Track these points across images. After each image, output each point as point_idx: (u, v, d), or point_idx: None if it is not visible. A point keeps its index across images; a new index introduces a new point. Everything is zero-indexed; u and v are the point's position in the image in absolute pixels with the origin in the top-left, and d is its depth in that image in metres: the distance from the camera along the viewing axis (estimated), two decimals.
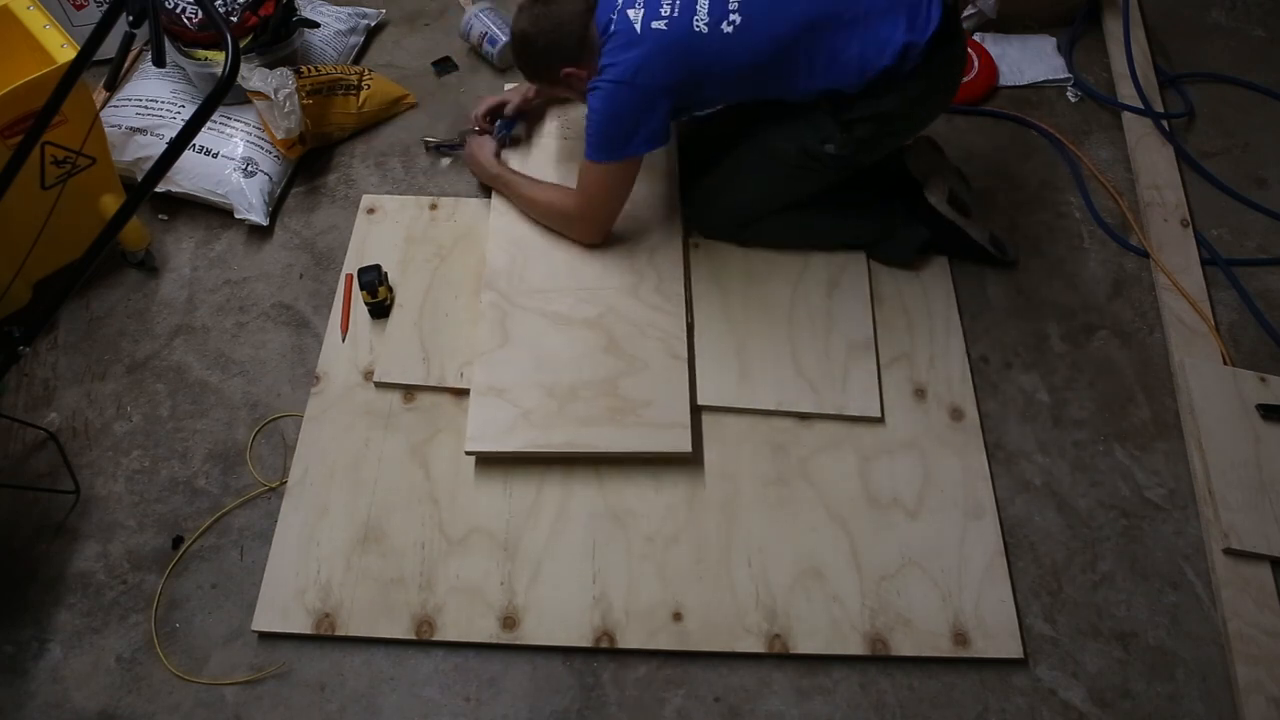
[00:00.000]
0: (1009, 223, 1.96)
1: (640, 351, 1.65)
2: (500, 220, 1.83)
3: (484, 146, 1.89)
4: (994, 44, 2.31)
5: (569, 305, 1.70)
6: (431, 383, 1.67)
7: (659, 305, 1.71)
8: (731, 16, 1.47)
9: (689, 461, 1.59)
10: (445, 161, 2.06)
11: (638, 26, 1.48)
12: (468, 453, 1.56)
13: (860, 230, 1.82)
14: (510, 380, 1.61)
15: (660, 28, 1.47)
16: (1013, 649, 1.43)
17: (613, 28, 1.50)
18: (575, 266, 1.76)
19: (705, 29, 1.46)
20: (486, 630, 1.43)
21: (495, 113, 1.93)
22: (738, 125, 1.72)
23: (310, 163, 2.08)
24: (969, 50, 2.15)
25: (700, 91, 1.57)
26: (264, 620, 1.44)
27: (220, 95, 1.19)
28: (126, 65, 2.11)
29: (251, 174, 1.92)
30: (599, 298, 1.71)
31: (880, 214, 1.81)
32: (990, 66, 2.24)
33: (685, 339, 1.67)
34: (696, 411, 1.63)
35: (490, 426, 1.56)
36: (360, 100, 2.10)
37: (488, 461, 1.59)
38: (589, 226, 1.73)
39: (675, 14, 1.47)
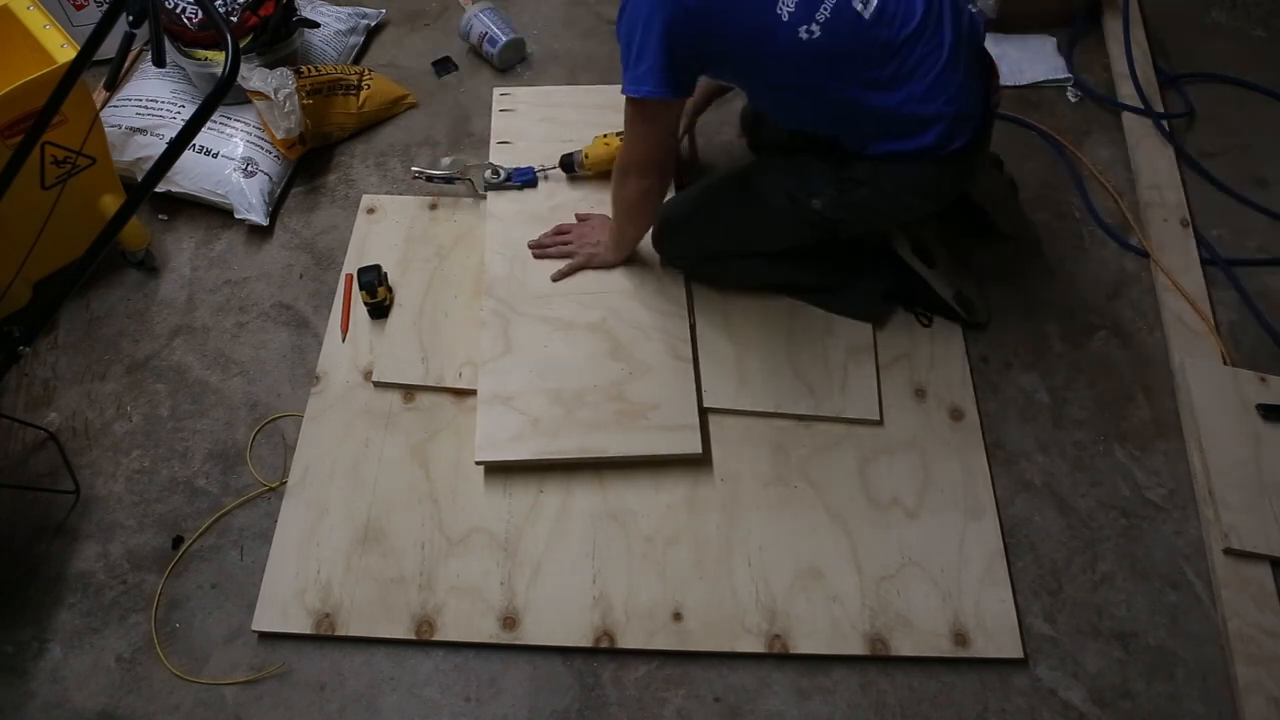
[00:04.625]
0: (932, 239, 1.94)
1: (644, 355, 1.64)
2: (497, 226, 1.83)
3: (592, 227, 1.75)
4: (994, 44, 2.30)
5: (571, 310, 1.70)
6: (430, 382, 1.67)
7: (661, 307, 1.71)
8: (813, 26, 1.32)
9: (691, 462, 1.59)
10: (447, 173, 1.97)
11: None
12: (477, 462, 1.55)
13: (811, 277, 1.74)
14: (516, 388, 1.60)
15: None
16: (1013, 649, 1.43)
17: None
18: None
19: (786, 17, 1.31)
20: (486, 630, 1.43)
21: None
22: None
23: (310, 163, 2.08)
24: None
25: (721, 61, 1.42)
26: (264, 620, 1.44)
27: (220, 95, 1.19)
28: (126, 65, 2.11)
29: (251, 174, 1.92)
30: (600, 301, 1.71)
31: (834, 265, 1.74)
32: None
33: (689, 340, 1.67)
34: (704, 412, 1.63)
35: (499, 435, 1.55)
36: (360, 100, 2.10)
37: (494, 467, 1.58)
38: (635, 167, 1.50)
39: None
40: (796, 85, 1.41)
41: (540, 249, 1.78)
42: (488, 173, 1.87)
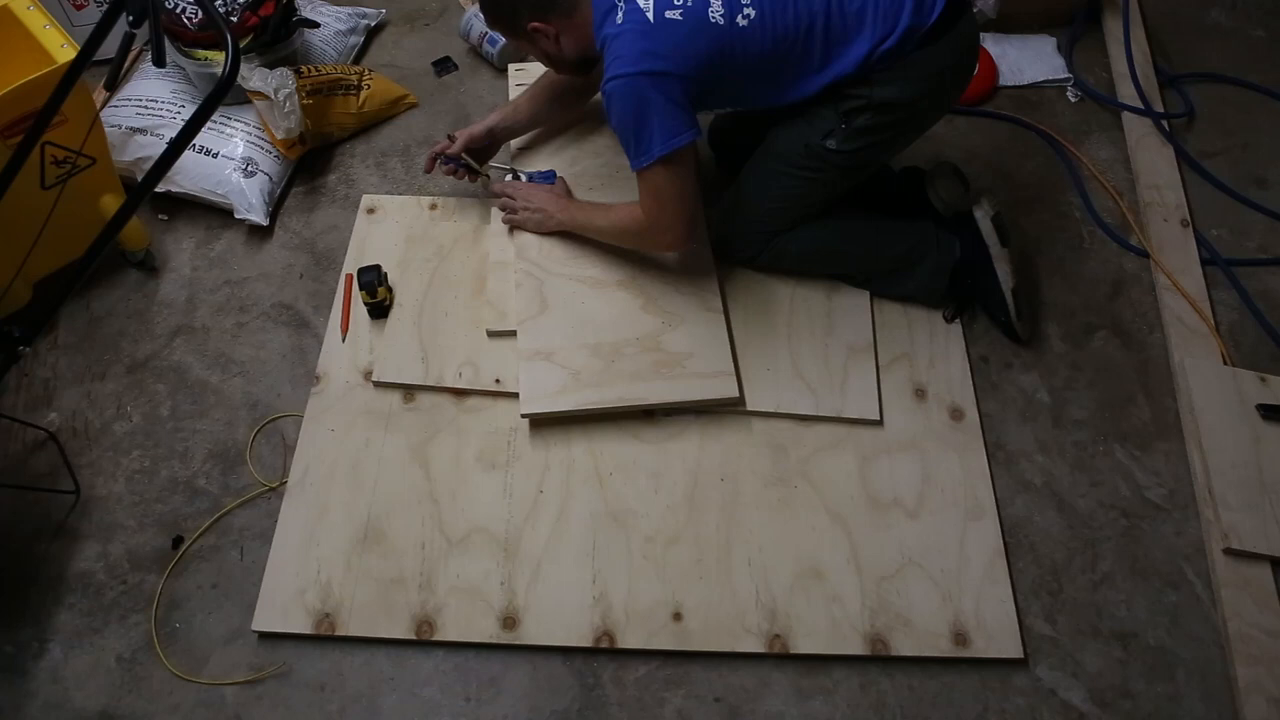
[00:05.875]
0: (1009, 222, 1.95)
1: (676, 307, 1.68)
2: None
3: (537, 193, 1.76)
4: (994, 44, 2.31)
5: (600, 270, 1.73)
6: (430, 382, 1.67)
7: (688, 264, 1.73)
8: (746, 10, 1.43)
9: (691, 461, 1.59)
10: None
11: (650, 15, 1.41)
12: (523, 415, 1.59)
13: (885, 249, 1.76)
14: (555, 344, 1.64)
15: (675, 18, 1.41)
16: (1013, 649, 1.43)
17: (620, 17, 1.43)
18: None
19: (721, 20, 1.42)
20: (486, 630, 1.43)
21: (447, 156, 1.83)
22: (753, 143, 1.69)
23: (310, 163, 2.08)
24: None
25: (717, 85, 1.50)
26: (264, 620, 1.44)
27: (220, 95, 1.19)
28: (126, 65, 2.11)
29: (251, 174, 1.92)
30: (627, 262, 1.73)
31: (907, 236, 1.76)
32: (990, 66, 2.24)
33: (718, 293, 1.70)
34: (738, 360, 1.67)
35: (542, 388, 1.59)
36: (360, 100, 2.10)
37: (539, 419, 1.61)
38: (667, 235, 1.60)
39: (689, 3, 1.42)
40: (778, 58, 1.47)
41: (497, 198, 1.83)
42: (509, 177, 1.86)
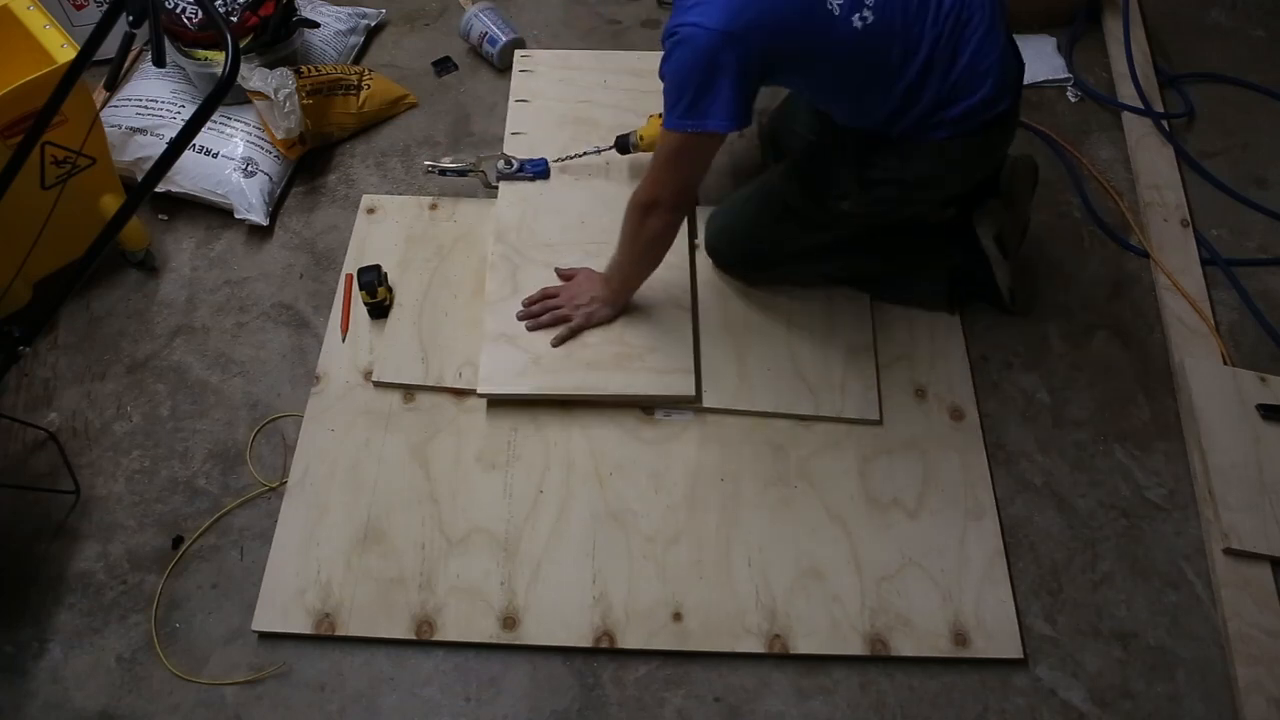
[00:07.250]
0: (1010, 237, 1.96)
1: (645, 302, 1.69)
2: (509, 188, 1.87)
3: (580, 285, 1.67)
4: None
5: (577, 259, 1.74)
6: (430, 382, 1.67)
7: (665, 260, 1.68)
8: (865, 13, 1.29)
9: (691, 461, 1.59)
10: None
11: None
12: (479, 395, 1.60)
13: (878, 269, 1.75)
14: (520, 328, 1.66)
15: None
16: (1013, 649, 1.43)
17: None
18: (585, 221, 1.80)
19: (838, 11, 1.27)
20: (486, 630, 1.43)
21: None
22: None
23: (310, 163, 2.08)
24: None
25: (789, 73, 1.38)
26: (264, 620, 1.44)
27: (220, 95, 1.19)
28: (126, 65, 2.11)
29: (251, 174, 1.92)
30: (606, 251, 1.69)
31: (906, 247, 1.74)
32: None
33: (689, 291, 1.71)
34: (700, 360, 1.67)
35: (501, 370, 1.61)
36: (360, 100, 2.10)
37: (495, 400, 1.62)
38: (665, 203, 1.44)
39: None
40: (867, 74, 1.36)
41: (532, 320, 1.67)
42: (500, 163, 1.88)
